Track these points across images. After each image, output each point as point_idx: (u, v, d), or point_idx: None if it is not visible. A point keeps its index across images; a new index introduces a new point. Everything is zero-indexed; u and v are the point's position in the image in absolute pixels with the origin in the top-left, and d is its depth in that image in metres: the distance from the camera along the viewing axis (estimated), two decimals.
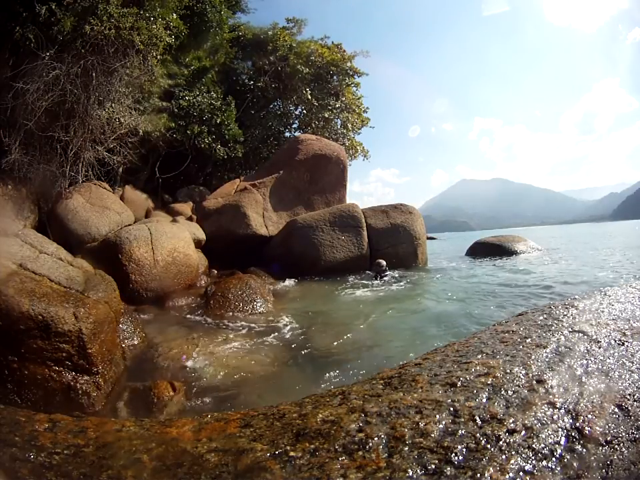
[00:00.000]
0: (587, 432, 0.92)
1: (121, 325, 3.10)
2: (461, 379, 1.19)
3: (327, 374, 2.55)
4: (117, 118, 6.98)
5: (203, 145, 11.37)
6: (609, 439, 0.89)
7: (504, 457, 0.85)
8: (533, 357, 1.29)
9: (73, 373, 2.20)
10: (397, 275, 6.57)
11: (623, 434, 0.91)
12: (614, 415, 0.97)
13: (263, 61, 14.57)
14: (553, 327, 1.55)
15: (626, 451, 0.86)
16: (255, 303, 4.40)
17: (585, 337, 1.42)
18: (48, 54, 5.87)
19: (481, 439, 0.91)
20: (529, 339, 1.46)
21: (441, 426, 0.97)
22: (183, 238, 5.35)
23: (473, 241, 11.44)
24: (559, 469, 0.82)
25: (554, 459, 0.85)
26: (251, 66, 15.50)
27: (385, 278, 6.32)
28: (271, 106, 15.54)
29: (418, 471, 0.84)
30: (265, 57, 14.60)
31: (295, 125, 15.95)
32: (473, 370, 1.24)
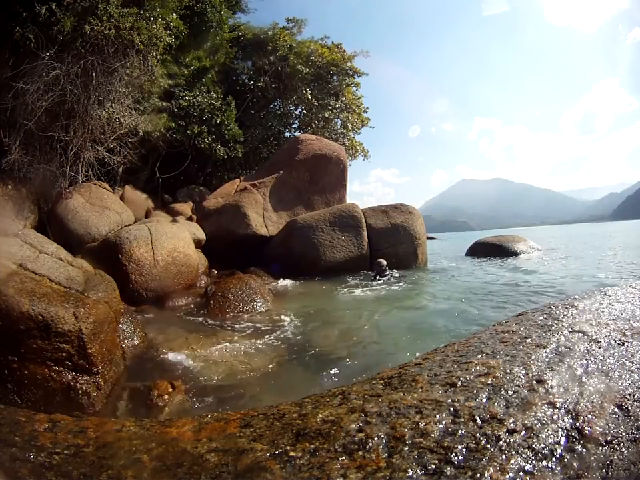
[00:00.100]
0: (587, 432, 0.92)
1: (121, 325, 3.10)
2: (461, 378, 1.19)
3: (327, 374, 2.55)
4: (117, 118, 6.98)
5: (203, 145, 11.38)
6: (608, 439, 0.89)
7: (504, 456, 0.85)
8: (533, 357, 1.29)
9: (73, 373, 2.19)
10: (397, 275, 6.57)
11: (623, 434, 0.91)
12: (614, 415, 0.97)
13: (263, 61, 14.58)
14: (553, 327, 1.55)
15: (626, 451, 0.86)
16: (255, 303, 4.40)
17: (585, 336, 1.42)
18: (48, 54, 5.88)
19: (481, 439, 0.91)
20: (529, 339, 1.46)
21: (441, 426, 0.97)
22: (182, 238, 5.35)
23: (473, 241, 11.44)
24: (559, 469, 0.82)
25: (554, 459, 0.85)
26: (251, 66, 15.51)
27: (385, 278, 6.32)
28: (271, 106, 15.55)
29: (418, 471, 0.84)
30: (265, 57, 14.61)
31: (295, 125, 15.98)
32: (473, 370, 1.24)
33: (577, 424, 0.94)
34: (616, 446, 0.87)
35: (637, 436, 0.90)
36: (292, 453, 0.94)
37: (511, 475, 0.81)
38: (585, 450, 0.87)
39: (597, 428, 0.92)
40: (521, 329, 1.60)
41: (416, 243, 7.76)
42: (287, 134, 15.57)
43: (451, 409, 1.03)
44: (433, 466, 0.84)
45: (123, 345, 2.97)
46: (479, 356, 1.36)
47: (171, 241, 5.03)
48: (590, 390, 1.07)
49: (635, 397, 1.03)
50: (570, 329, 1.51)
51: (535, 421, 0.96)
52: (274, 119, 14.56)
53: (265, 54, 14.67)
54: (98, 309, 2.47)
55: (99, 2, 6.16)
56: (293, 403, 1.26)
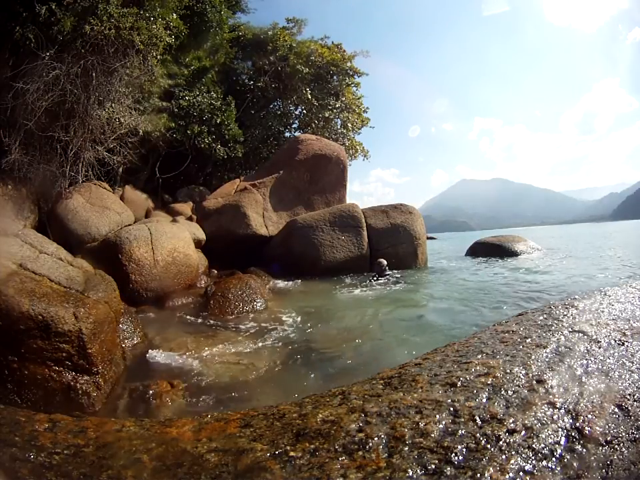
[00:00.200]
0: (587, 432, 0.92)
1: (121, 325, 3.10)
2: (461, 378, 1.19)
3: (327, 374, 2.55)
4: (117, 118, 6.98)
5: (203, 145, 11.38)
6: (609, 439, 0.89)
7: (504, 456, 0.85)
8: (533, 357, 1.29)
9: (73, 373, 2.19)
10: (397, 275, 6.57)
11: (623, 434, 0.91)
12: (614, 415, 0.97)
13: (263, 61, 14.57)
14: (553, 327, 1.55)
15: (626, 451, 0.86)
16: (255, 303, 4.40)
17: (585, 336, 1.42)
18: (48, 54, 5.87)
19: (481, 438, 0.91)
20: (529, 339, 1.46)
21: (441, 426, 0.97)
22: (182, 238, 5.35)
23: (473, 241, 11.44)
24: (559, 469, 0.82)
25: (554, 459, 0.85)
26: (250, 66, 15.50)
27: (385, 278, 6.32)
28: (271, 106, 15.54)
29: (418, 471, 0.84)
30: (265, 57, 14.60)
31: (295, 125, 15.97)
32: (473, 370, 1.24)
33: (577, 424, 0.94)
34: (616, 446, 0.87)
35: (637, 436, 0.90)
36: (292, 453, 0.95)
37: (511, 475, 0.81)
38: (585, 450, 0.87)
39: (597, 428, 0.92)
40: (521, 328, 1.60)
41: (416, 243, 7.76)
42: (287, 134, 15.58)
43: (451, 409, 1.03)
44: (433, 466, 0.84)
45: (123, 345, 2.97)
46: (479, 356, 1.36)
47: (171, 241, 5.03)
48: (590, 390, 1.07)
49: (635, 396, 1.03)
50: (570, 329, 1.51)
51: (535, 421, 0.96)
52: (274, 119, 14.56)
53: (265, 54, 14.67)
54: (98, 309, 2.47)
55: (99, 2, 6.16)
56: (292, 403, 1.26)
